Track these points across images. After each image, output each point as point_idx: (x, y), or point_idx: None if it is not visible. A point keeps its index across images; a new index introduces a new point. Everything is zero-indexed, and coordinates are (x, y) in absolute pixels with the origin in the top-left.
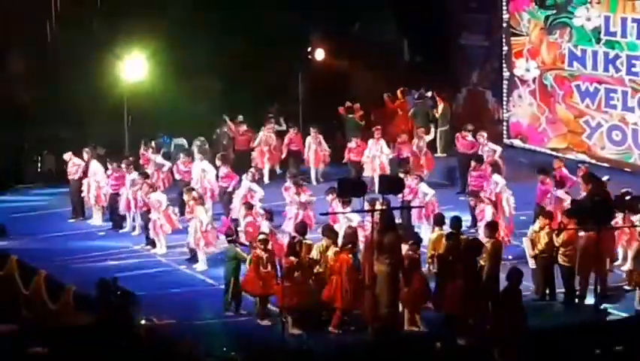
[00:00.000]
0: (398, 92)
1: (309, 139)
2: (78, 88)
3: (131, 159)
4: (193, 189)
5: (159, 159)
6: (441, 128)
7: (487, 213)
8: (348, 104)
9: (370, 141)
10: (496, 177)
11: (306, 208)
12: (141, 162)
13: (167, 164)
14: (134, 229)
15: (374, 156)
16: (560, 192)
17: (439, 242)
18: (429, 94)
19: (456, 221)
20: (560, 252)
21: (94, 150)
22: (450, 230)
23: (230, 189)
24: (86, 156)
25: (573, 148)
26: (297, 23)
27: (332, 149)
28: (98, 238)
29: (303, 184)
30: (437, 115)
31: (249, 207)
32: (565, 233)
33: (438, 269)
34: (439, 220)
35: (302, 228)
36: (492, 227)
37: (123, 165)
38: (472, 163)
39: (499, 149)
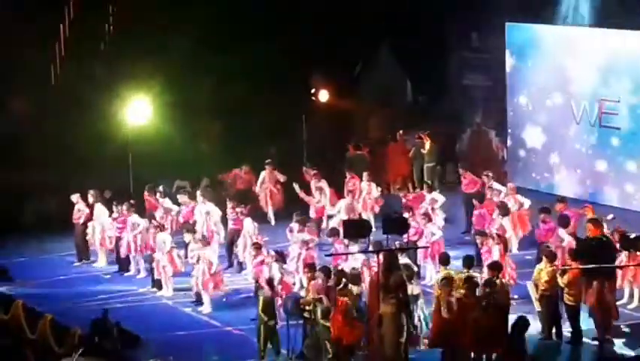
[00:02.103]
0: (397, 134)
1: (263, 174)
2: (81, 130)
3: (132, 202)
4: (194, 230)
5: (167, 202)
6: (427, 165)
7: (495, 252)
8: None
9: (363, 183)
10: (504, 221)
11: (309, 248)
12: (146, 205)
13: (176, 208)
14: (139, 271)
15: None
16: (562, 232)
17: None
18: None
19: (469, 260)
20: (565, 291)
21: (99, 193)
22: (465, 271)
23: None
24: (91, 198)
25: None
26: (300, 64)
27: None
28: (104, 281)
29: (309, 224)
30: (424, 152)
31: (258, 247)
32: (569, 273)
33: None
34: (444, 260)
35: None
36: (496, 267)
37: (124, 208)
38: (475, 202)
39: (504, 189)
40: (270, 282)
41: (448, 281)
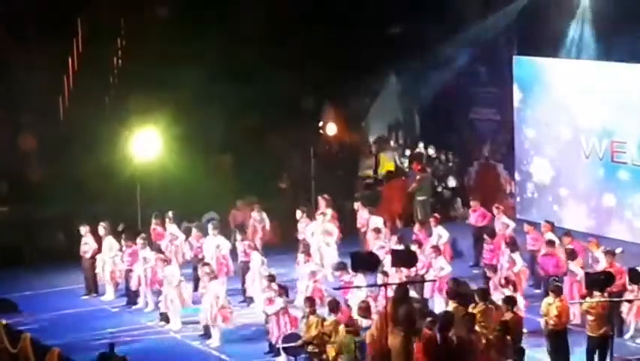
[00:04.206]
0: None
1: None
2: (90, 164)
3: (144, 235)
4: (208, 264)
5: (174, 228)
6: (418, 198)
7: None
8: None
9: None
10: (515, 256)
11: (315, 280)
12: (152, 236)
13: (182, 236)
14: (147, 305)
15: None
16: (572, 265)
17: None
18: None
19: (482, 293)
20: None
21: (110, 225)
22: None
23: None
24: (102, 231)
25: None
26: (308, 98)
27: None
28: (112, 314)
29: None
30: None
31: (272, 278)
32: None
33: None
34: (453, 294)
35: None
36: (510, 302)
37: (138, 242)
38: (485, 237)
39: (512, 224)
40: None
41: (470, 317)
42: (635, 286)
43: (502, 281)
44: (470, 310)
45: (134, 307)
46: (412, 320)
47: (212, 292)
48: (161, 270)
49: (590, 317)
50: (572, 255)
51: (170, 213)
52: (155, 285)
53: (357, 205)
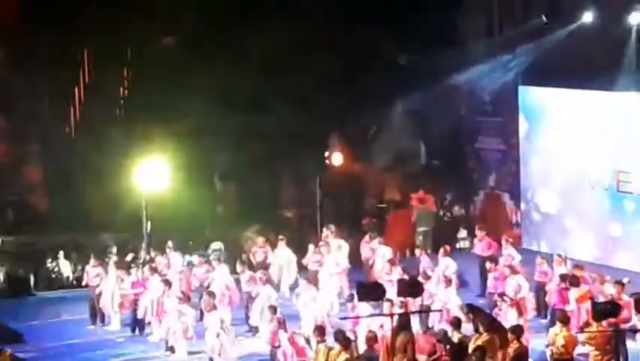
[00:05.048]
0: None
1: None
2: (96, 193)
3: (152, 265)
4: (212, 294)
5: (175, 257)
6: (419, 229)
7: (511, 315)
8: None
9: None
10: (519, 278)
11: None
12: (159, 267)
13: (180, 264)
14: (153, 334)
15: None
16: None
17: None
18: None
19: (487, 322)
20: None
21: (119, 256)
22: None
23: (253, 294)
24: (110, 261)
25: None
26: (314, 128)
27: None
28: (117, 344)
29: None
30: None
31: (274, 310)
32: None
33: None
34: (456, 324)
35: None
36: (516, 331)
37: (146, 271)
38: (488, 264)
39: (518, 257)
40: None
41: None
42: None
43: (508, 301)
44: (474, 340)
45: (140, 336)
46: (411, 347)
47: (212, 323)
48: (175, 304)
49: (590, 348)
50: (573, 282)
51: (170, 243)
52: (163, 314)
53: (367, 237)
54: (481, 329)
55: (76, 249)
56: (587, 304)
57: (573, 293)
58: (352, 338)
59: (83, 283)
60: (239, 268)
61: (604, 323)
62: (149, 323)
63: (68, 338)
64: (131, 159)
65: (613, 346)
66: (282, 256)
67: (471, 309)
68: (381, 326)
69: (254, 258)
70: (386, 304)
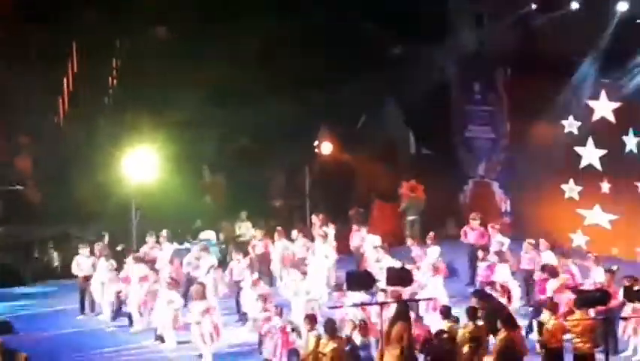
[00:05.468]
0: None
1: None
2: (85, 184)
3: (138, 255)
4: (204, 284)
5: (167, 247)
6: (409, 218)
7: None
8: None
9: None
10: (502, 266)
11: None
12: (148, 256)
13: (168, 254)
14: (142, 324)
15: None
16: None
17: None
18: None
19: (472, 312)
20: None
21: (107, 246)
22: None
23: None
24: (97, 251)
25: None
26: (303, 118)
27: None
28: (107, 334)
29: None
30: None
31: (265, 299)
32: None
33: None
34: (446, 313)
35: None
36: (509, 321)
37: (131, 261)
38: (480, 254)
39: (507, 241)
40: None
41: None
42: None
43: (498, 287)
44: (462, 330)
45: (130, 326)
46: (408, 335)
47: (196, 312)
48: (165, 292)
49: (573, 334)
50: (552, 273)
51: (164, 232)
52: (152, 304)
53: (355, 226)
54: (466, 318)
55: (66, 239)
56: (567, 295)
57: (551, 284)
58: (343, 327)
59: (73, 273)
60: (234, 255)
61: (592, 311)
62: (142, 314)
63: (58, 328)
64: (120, 150)
65: (599, 334)
66: (280, 249)
67: (481, 297)
68: (379, 315)
69: (253, 251)
70: (381, 294)
